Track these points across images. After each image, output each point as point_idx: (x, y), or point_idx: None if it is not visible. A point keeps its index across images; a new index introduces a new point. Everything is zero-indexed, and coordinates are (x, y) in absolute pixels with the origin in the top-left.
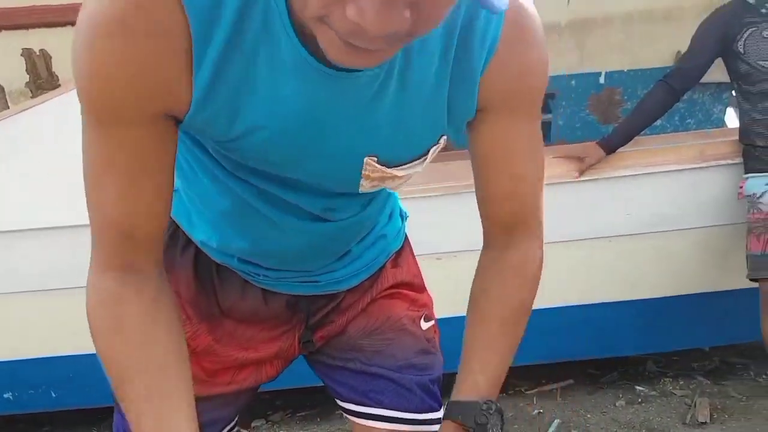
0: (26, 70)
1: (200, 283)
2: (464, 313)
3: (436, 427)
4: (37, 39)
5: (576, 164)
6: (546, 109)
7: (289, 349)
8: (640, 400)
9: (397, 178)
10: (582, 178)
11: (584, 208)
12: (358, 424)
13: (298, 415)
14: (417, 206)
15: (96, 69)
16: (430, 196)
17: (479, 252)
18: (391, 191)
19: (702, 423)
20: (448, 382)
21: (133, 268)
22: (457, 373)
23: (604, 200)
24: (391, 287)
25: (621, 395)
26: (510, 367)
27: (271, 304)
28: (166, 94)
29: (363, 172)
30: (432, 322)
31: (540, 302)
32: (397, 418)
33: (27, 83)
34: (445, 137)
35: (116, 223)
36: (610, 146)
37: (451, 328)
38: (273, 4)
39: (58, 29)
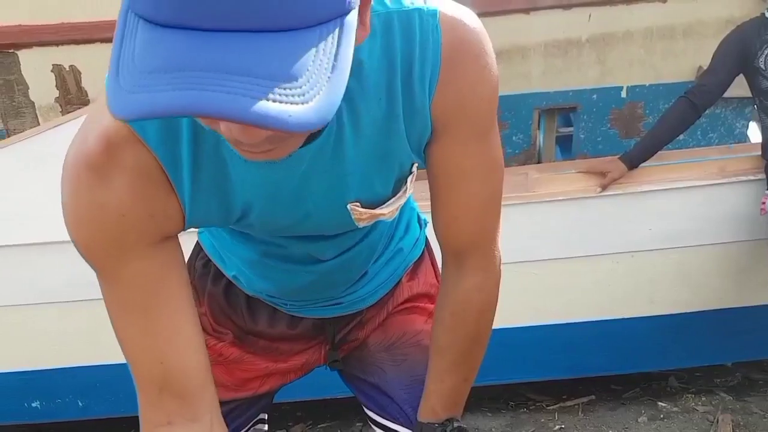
0: (56, 85)
1: (231, 309)
2: None
3: None
4: (66, 55)
5: (598, 179)
6: (568, 122)
7: (315, 362)
8: (662, 416)
9: (386, 214)
10: (604, 193)
11: (606, 223)
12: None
13: (318, 426)
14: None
15: (81, 217)
16: None
17: None
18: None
19: None
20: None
21: (179, 423)
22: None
23: (626, 215)
24: (407, 301)
25: (643, 411)
26: (531, 383)
27: (298, 328)
28: (157, 221)
29: (352, 216)
30: None
31: (562, 317)
32: None
33: (56, 98)
34: (416, 165)
35: (148, 369)
36: (633, 162)
37: None
38: None
39: (88, 45)
